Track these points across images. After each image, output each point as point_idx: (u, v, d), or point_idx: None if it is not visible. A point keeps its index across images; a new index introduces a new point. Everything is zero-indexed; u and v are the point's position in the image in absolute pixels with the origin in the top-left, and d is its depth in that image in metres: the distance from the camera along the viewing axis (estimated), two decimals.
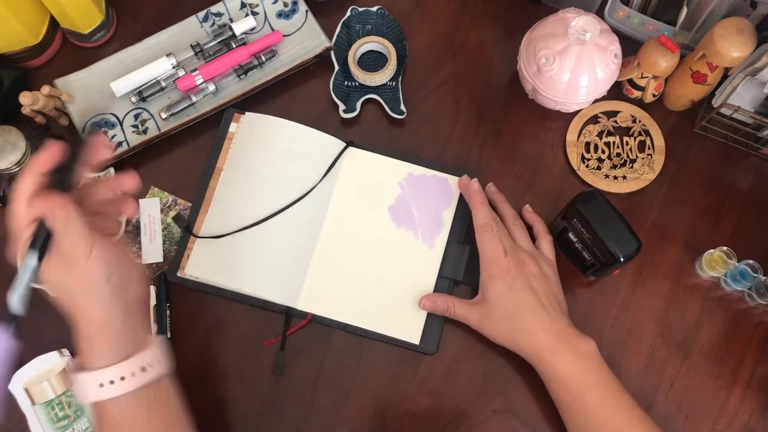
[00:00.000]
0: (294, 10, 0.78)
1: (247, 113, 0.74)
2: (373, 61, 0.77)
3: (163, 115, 0.73)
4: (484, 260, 0.65)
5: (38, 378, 0.66)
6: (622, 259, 0.61)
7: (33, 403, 0.66)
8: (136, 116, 0.74)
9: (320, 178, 0.71)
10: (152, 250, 0.71)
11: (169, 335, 0.67)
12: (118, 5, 0.80)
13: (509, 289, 0.63)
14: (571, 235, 0.66)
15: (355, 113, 0.75)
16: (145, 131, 0.74)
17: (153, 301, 0.69)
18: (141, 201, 0.73)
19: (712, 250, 0.68)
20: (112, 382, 0.51)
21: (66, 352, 0.67)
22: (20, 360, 0.67)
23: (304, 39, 0.77)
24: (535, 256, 0.65)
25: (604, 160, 0.73)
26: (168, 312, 0.68)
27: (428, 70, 0.77)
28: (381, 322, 0.68)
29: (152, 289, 0.69)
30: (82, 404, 0.66)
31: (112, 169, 0.72)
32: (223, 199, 0.72)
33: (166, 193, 0.73)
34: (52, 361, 0.66)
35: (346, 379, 0.67)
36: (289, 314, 0.68)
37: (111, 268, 0.52)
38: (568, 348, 0.61)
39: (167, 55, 0.75)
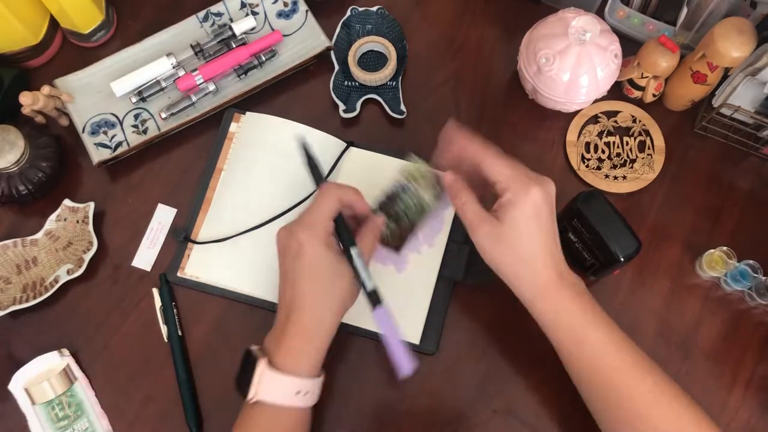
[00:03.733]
0: (294, 10, 0.78)
1: (247, 113, 0.74)
2: (373, 61, 0.77)
3: (163, 115, 0.73)
4: (509, 176, 0.57)
5: (38, 378, 0.66)
6: (622, 259, 0.61)
7: (33, 403, 0.65)
8: (136, 116, 0.74)
9: (323, 178, 0.71)
10: (145, 257, 0.71)
11: (180, 333, 0.68)
12: (118, 5, 0.81)
13: (536, 215, 0.57)
14: (571, 235, 0.66)
15: (355, 113, 0.75)
16: (145, 131, 0.74)
17: (158, 303, 0.69)
18: (159, 206, 0.73)
19: (712, 250, 0.68)
20: (306, 393, 0.56)
21: (66, 352, 0.67)
22: (20, 360, 0.67)
23: (304, 39, 0.77)
24: (551, 181, 0.60)
25: (604, 160, 0.73)
26: (176, 312, 0.68)
27: (428, 70, 0.77)
28: None
29: (155, 291, 0.69)
30: (82, 403, 0.66)
31: (92, 203, 0.71)
32: (224, 199, 0.72)
33: None
34: (52, 361, 0.66)
35: (346, 379, 0.67)
36: None
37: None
38: (568, 286, 0.57)
39: (167, 55, 0.75)
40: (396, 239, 0.67)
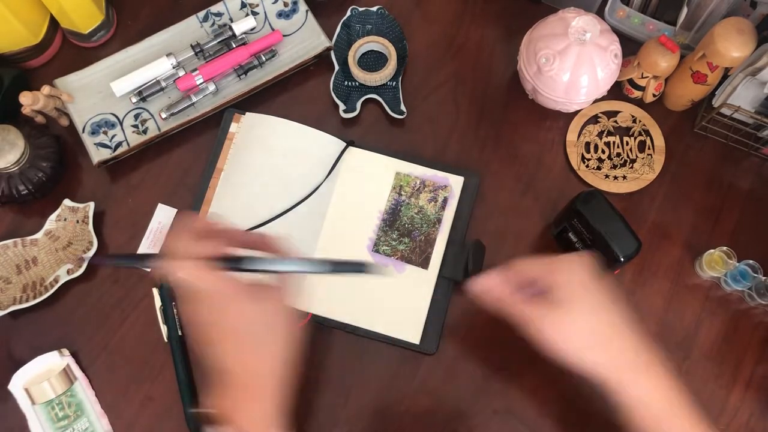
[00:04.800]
0: (294, 10, 0.78)
1: (247, 113, 0.74)
2: (373, 61, 0.77)
3: (163, 115, 0.73)
4: (564, 285, 0.54)
5: (38, 378, 0.66)
6: (622, 259, 0.61)
7: (33, 403, 0.65)
8: (136, 116, 0.74)
9: (323, 178, 0.71)
10: None
11: (180, 333, 0.68)
12: (118, 5, 0.80)
13: (583, 288, 0.54)
14: (571, 235, 0.66)
15: (355, 113, 0.75)
16: (145, 131, 0.74)
17: (158, 303, 0.69)
18: (159, 206, 0.72)
19: (712, 250, 0.68)
20: None
21: (66, 352, 0.67)
22: (20, 360, 0.67)
23: (304, 39, 0.77)
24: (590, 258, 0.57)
25: (604, 160, 0.73)
26: (176, 312, 0.68)
27: (428, 70, 0.77)
28: (381, 322, 0.68)
29: (155, 290, 0.69)
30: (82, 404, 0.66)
31: (92, 203, 0.71)
32: (224, 199, 0.72)
33: None
34: (52, 361, 0.66)
35: (346, 379, 0.67)
36: None
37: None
38: (650, 362, 0.53)
39: (167, 55, 0.75)
40: (416, 254, 0.68)
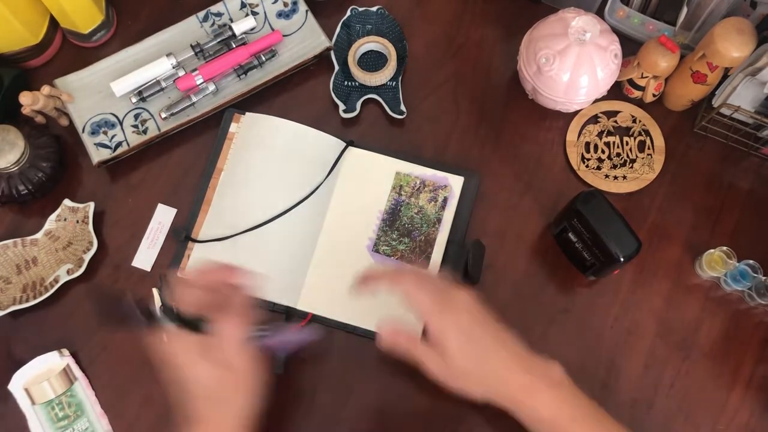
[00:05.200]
0: (294, 10, 0.78)
1: (247, 113, 0.74)
2: (373, 61, 0.77)
3: (163, 115, 0.73)
4: (421, 319, 0.59)
5: (38, 378, 0.66)
6: (622, 259, 0.61)
7: (33, 403, 0.65)
8: (136, 116, 0.74)
9: (323, 178, 0.71)
10: (146, 257, 0.71)
11: None
12: (118, 5, 0.80)
13: (467, 340, 0.56)
14: (571, 235, 0.66)
15: (355, 113, 0.75)
16: (145, 131, 0.74)
17: (158, 303, 0.69)
18: (159, 206, 0.72)
19: (712, 250, 0.68)
20: None
21: (66, 352, 0.67)
22: (20, 360, 0.67)
23: (304, 39, 0.77)
24: (456, 288, 0.58)
25: (604, 160, 0.73)
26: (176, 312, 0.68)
27: (428, 70, 0.77)
28: None
29: (155, 291, 0.69)
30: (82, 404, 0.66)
31: (92, 203, 0.71)
32: (224, 199, 0.72)
33: None
34: (52, 361, 0.66)
35: (346, 379, 0.67)
36: (289, 314, 0.68)
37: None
38: (542, 381, 0.56)
39: (167, 55, 0.75)
40: (416, 254, 0.69)
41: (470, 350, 0.56)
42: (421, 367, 0.57)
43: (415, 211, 0.71)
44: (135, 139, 0.73)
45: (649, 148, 0.73)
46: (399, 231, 0.70)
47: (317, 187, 0.71)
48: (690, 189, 0.72)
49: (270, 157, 0.72)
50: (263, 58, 0.75)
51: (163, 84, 0.74)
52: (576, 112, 0.74)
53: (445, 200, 0.71)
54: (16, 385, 0.66)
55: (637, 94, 0.74)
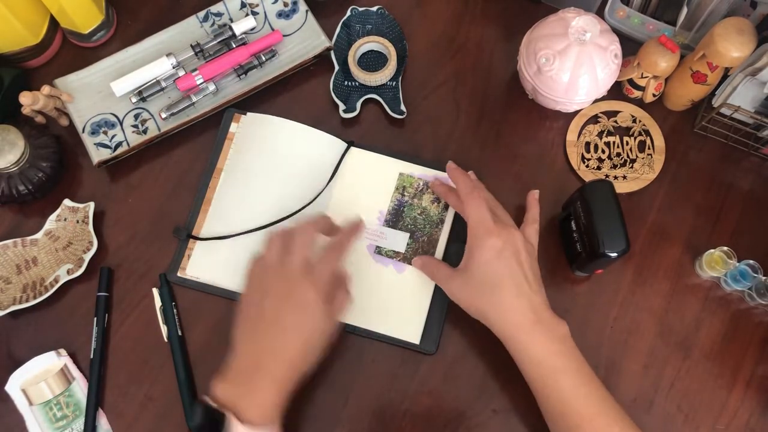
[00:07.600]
0: (294, 10, 0.78)
1: (247, 113, 0.74)
2: (373, 61, 0.77)
3: (163, 115, 0.73)
4: (472, 226, 0.62)
5: (36, 378, 0.66)
6: (605, 253, 0.61)
7: (31, 403, 0.65)
8: (136, 116, 0.74)
9: (327, 180, 0.71)
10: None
11: (180, 333, 0.68)
12: (118, 5, 0.81)
13: (497, 257, 0.60)
14: (572, 223, 0.66)
15: (355, 113, 0.75)
16: (145, 131, 0.74)
17: (158, 303, 0.69)
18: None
19: (712, 250, 0.68)
20: None
21: (63, 352, 0.67)
22: (19, 360, 0.67)
23: (304, 39, 0.77)
24: (519, 232, 0.63)
25: (604, 160, 0.73)
26: (176, 312, 0.68)
27: (428, 70, 0.77)
28: (381, 322, 0.68)
29: (155, 290, 0.69)
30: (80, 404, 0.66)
31: (92, 203, 0.71)
32: (224, 199, 0.72)
33: None
34: (49, 362, 0.66)
35: (346, 379, 0.67)
36: None
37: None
38: (544, 330, 0.59)
39: (167, 55, 0.75)
40: (418, 254, 0.69)
41: (493, 267, 0.60)
42: (435, 279, 0.66)
43: (418, 212, 0.71)
44: (135, 139, 0.73)
45: (649, 148, 0.73)
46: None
47: (322, 190, 0.71)
48: (690, 189, 0.72)
49: (270, 157, 0.72)
50: (263, 58, 0.75)
51: (163, 84, 0.74)
52: (576, 112, 0.74)
53: None
54: (14, 385, 0.66)
55: (637, 94, 0.74)
